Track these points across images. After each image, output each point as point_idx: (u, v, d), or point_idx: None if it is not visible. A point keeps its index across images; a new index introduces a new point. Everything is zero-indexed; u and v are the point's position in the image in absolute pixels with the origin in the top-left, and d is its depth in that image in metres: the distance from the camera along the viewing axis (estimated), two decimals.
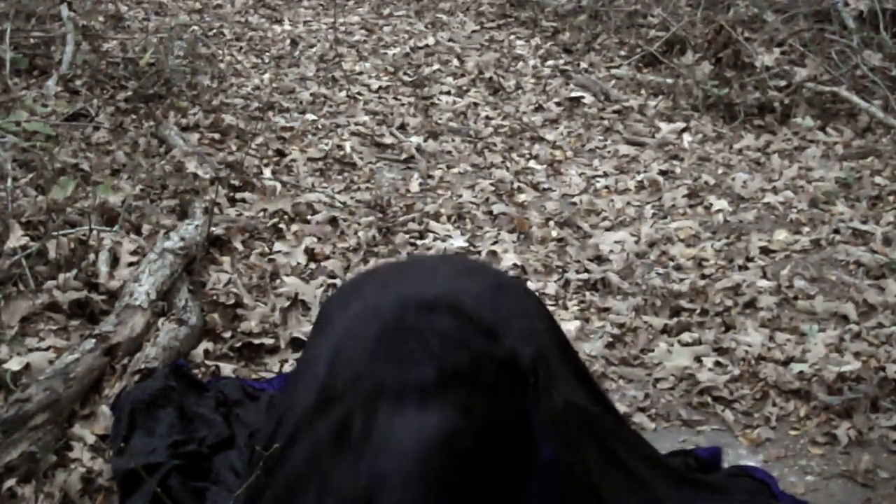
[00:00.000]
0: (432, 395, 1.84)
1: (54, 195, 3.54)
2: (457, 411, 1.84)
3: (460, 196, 4.40)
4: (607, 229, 4.13)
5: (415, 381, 1.87)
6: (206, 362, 3.01)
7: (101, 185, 3.75)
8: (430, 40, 6.80)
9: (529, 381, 1.93)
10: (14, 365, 2.76)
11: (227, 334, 3.18)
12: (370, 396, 1.86)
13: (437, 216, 4.18)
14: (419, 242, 3.96)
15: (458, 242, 3.98)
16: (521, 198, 4.42)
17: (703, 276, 3.69)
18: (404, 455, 1.78)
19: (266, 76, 5.96)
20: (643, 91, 5.81)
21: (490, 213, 4.25)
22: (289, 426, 2.00)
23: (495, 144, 5.06)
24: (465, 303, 2.01)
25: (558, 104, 5.64)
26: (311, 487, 1.90)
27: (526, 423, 1.92)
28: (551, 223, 4.15)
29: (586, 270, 3.75)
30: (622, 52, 6.46)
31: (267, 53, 6.48)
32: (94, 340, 2.82)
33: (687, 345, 3.24)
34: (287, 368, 3.10)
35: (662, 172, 4.71)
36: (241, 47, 6.59)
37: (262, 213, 4.09)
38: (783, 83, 5.42)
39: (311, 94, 5.68)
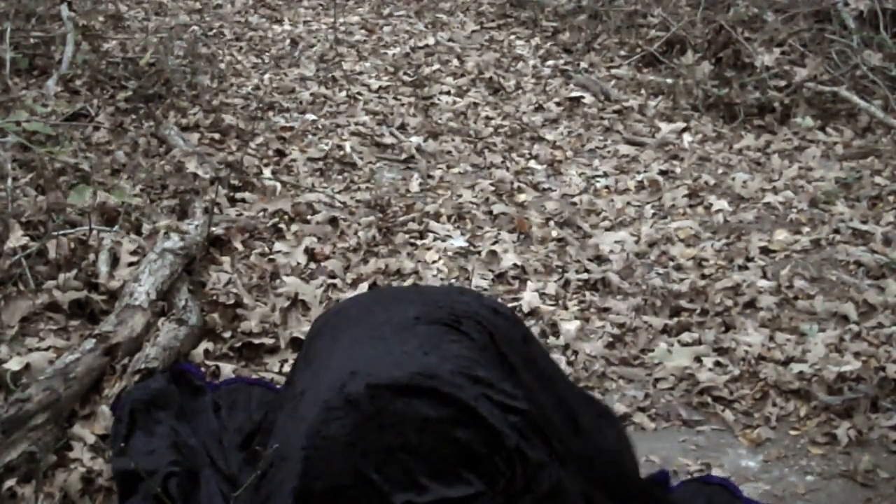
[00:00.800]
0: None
1: (72, 200, 3.54)
2: None
3: (460, 196, 4.40)
4: (607, 229, 4.13)
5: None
6: (206, 362, 3.00)
7: (117, 191, 3.75)
8: (430, 40, 6.80)
9: (514, 470, 1.98)
10: (14, 365, 2.76)
11: (227, 334, 3.18)
12: None
13: (437, 216, 4.18)
14: (419, 242, 3.96)
15: (458, 242, 3.98)
16: (521, 198, 4.42)
17: (703, 276, 3.69)
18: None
19: (266, 76, 5.96)
20: (643, 91, 5.81)
21: (490, 213, 4.25)
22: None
23: (495, 144, 5.06)
24: (443, 380, 2.00)
25: (558, 104, 5.64)
26: None
27: None
28: (551, 223, 4.15)
29: (586, 270, 3.75)
30: (622, 52, 6.46)
31: (267, 53, 6.48)
32: (94, 340, 2.82)
33: (687, 345, 3.24)
34: (287, 368, 3.10)
35: (662, 172, 4.71)
36: (241, 47, 6.59)
37: (262, 213, 4.09)
38: (783, 83, 5.42)
39: (311, 94, 5.68)
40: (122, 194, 3.64)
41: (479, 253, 3.89)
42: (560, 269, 3.78)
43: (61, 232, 3.46)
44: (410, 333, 2.12)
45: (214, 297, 3.33)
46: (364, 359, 2.07)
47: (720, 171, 4.72)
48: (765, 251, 3.87)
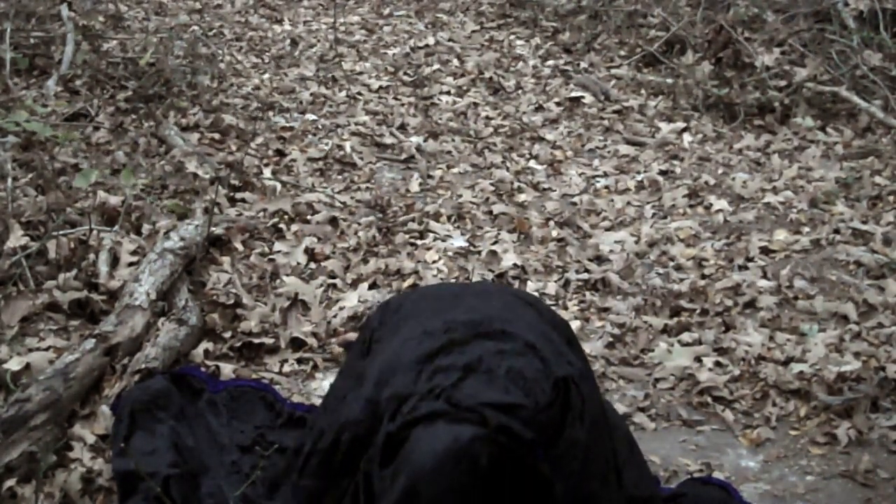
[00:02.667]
0: (463, 414, 1.92)
1: (77, 183, 3.55)
2: (480, 431, 1.90)
3: (460, 196, 4.40)
4: (607, 229, 4.13)
5: (446, 380, 1.98)
6: (206, 362, 3.00)
7: (125, 172, 3.75)
8: (430, 40, 6.80)
9: (573, 403, 2.01)
10: (14, 365, 2.76)
11: (227, 334, 3.18)
12: (409, 419, 1.95)
13: (437, 216, 4.18)
14: (419, 242, 3.96)
15: (458, 242, 3.98)
16: (521, 198, 4.42)
17: (703, 276, 3.69)
18: (429, 462, 1.87)
19: (266, 76, 5.96)
20: (643, 91, 5.81)
21: (490, 213, 4.25)
22: (328, 438, 2.15)
23: (495, 144, 5.06)
24: (518, 322, 2.11)
25: (558, 104, 5.64)
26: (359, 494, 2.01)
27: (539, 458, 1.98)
28: (551, 223, 4.15)
29: (586, 270, 3.75)
30: (622, 52, 6.46)
31: (267, 53, 6.48)
32: (94, 340, 2.82)
33: (687, 345, 3.24)
34: (287, 368, 3.10)
35: (662, 172, 4.71)
36: (241, 47, 6.59)
37: (262, 213, 4.09)
38: (783, 83, 5.42)
39: (311, 94, 5.68)
40: (129, 176, 3.65)
41: (479, 253, 3.88)
42: (560, 269, 3.78)
43: (61, 232, 3.46)
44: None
45: (214, 297, 3.33)
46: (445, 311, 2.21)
47: (720, 171, 4.72)
48: (765, 251, 3.87)
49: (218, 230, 3.77)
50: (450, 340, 2.07)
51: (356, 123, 5.26)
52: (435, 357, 2.04)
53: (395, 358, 2.10)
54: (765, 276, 3.66)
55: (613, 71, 6.17)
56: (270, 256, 3.76)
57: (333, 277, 3.63)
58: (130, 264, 3.39)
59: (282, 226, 4.00)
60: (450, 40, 6.83)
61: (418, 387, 2.00)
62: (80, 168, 4.10)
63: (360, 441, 2.06)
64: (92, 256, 3.40)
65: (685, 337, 3.29)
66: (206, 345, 3.09)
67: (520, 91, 5.87)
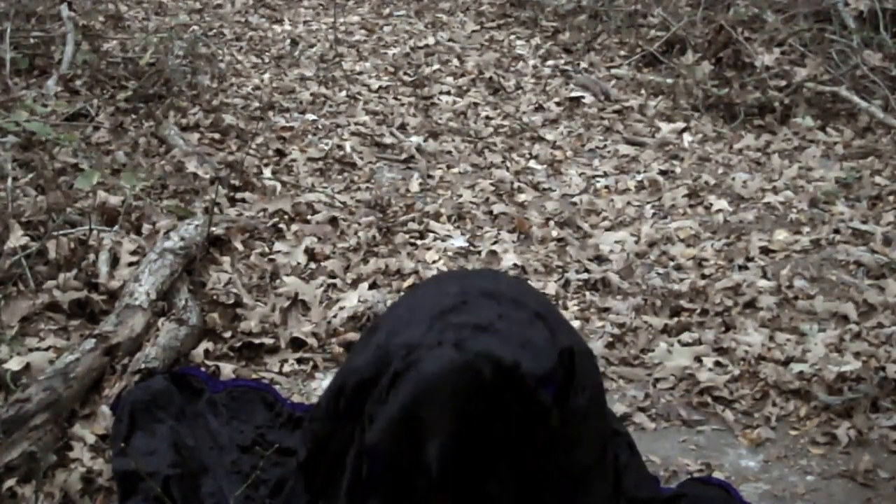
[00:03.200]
0: (469, 342, 1.95)
1: (79, 185, 3.55)
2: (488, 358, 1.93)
3: (460, 196, 4.40)
4: (607, 229, 4.13)
5: (457, 336, 2.00)
6: (206, 362, 3.00)
7: (126, 174, 3.75)
8: (430, 40, 6.80)
9: (577, 373, 2.03)
10: (14, 365, 2.76)
11: (227, 334, 3.18)
12: (415, 360, 1.98)
13: (437, 216, 4.18)
14: (419, 242, 3.96)
15: (458, 242, 3.98)
16: (521, 198, 4.42)
17: (703, 276, 3.69)
18: (433, 371, 1.91)
19: (266, 76, 5.96)
20: (643, 91, 5.81)
21: (490, 212, 4.25)
22: (336, 382, 2.19)
23: (495, 144, 5.06)
24: (528, 297, 2.16)
25: (558, 104, 5.64)
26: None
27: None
28: (551, 223, 4.15)
29: (586, 270, 3.75)
30: (622, 52, 6.46)
31: (267, 53, 6.48)
32: (94, 340, 2.82)
33: (687, 345, 3.24)
34: (287, 368, 3.10)
35: (662, 172, 4.71)
36: (241, 47, 6.59)
37: (262, 213, 4.09)
38: (783, 83, 5.42)
39: (311, 94, 5.68)
40: (131, 178, 3.65)
41: (479, 253, 3.88)
42: (560, 269, 3.78)
43: (61, 232, 3.46)
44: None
45: (214, 297, 3.33)
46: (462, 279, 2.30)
47: (720, 170, 4.72)
48: (765, 251, 3.87)
49: (218, 230, 3.77)
50: (463, 301, 2.10)
51: (356, 123, 5.26)
52: (448, 314, 2.07)
53: (408, 312, 2.16)
54: (765, 276, 3.66)
55: (613, 71, 6.17)
56: (270, 256, 3.76)
57: (333, 277, 3.63)
58: (130, 264, 3.39)
59: (282, 226, 4.00)
60: (450, 40, 6.83)
61: (428, 338, 2.02)
62: (81, 168, 4.10)
63: (366, 384, 2.06)
64: (92, 256, 3.40)
65: (685, 337, 3.29)
66: (206, 345, 3.09)
67: (520, 91, 5.87)
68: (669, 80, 5.74)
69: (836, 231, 3.99)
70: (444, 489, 1.87)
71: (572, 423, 2.02)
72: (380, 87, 5.86)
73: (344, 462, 2.09)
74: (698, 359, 3.16)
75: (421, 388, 1.90)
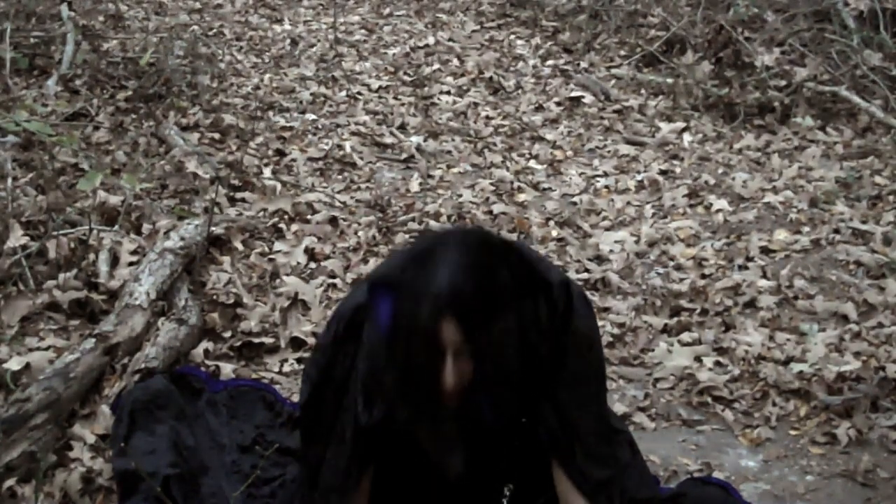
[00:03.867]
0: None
1: (82, 186, 3.54)
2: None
3: (460, 196, 4.40)
4: (607, 229, 4.13)
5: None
6: (206, 362, 3.00)
7: (127, 175, 3.75)
8: (430, 40, 6.80)
9: (575, 306, 2.01)
10: (14, 365, 2.76)
11: (227, 334, 3.18)
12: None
13: (437, 216, 4.18)
14: None
15: None
16: (521, 197, 4.42)
17: (703, 276, 3.69)
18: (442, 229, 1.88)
19: (266, 76, 5.96)
20: (643, 91, 5.81)
21: (490, 212, 4.25)
22: (336, 314, 2.12)
23: (495, 144, 5.06)
24: (518, 244, 2.12)
25: (558, 104, 5.64)
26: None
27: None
28: (551, 223, 4.15)
29: (586, 270, 3.75)
30: (622, 52, 6.45)
31: (267, 53, 6.48)
32: (94, 340, 2.82)
33: (687, 345, 3.24)
34: (287, 368, 3.10)
35: (662, 172, 4.71)
36: (241, 47, 6.59)
37: (262, 213, 4.09)
38: (783, 83, 5.42)
39: (311, 94, 5.68)
40: (132, 179, 3.65)
41: None
42: (560, 269, 3.78)
43: (61, 232, 3.46)
44: None
45: (214, 297, 3.33)
46: None
47: (720, 170, 4.72)
48: (765, 251, 3.87)
49: (218, 230, 3.77)
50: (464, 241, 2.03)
51: (356, 123, 5.26)
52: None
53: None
54: (765, 276, 3.66)
55: (613, 71, 6.17)
56: (270, 256, 3.76)
57: (333, 277, 3.63)
58: (130, 264, 3.39)
59: (282, 225, 4.00)
60: (450, 40, 6.83)
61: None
62: (81, 168, 4.10)
63: (363, 307, 2.03)
64: (92, 256, 3.40)
65: (685, 337, 3.29)
66: (206, 344, 3.09)
67: (520, 91, 5.87)
68: (669, 80, 5.73)
69: (836, 231, 3.99)
70: (453, 311, 1.80)
71: (574, 346, 2.01)
72: (380, 87, 5.86)
73: (348, 388, 2.04)
74: (698, 359, 3.16)
75: (430, 234, 1.86)
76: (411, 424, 1.94)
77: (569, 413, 2.03)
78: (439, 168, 4.77)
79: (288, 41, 6.73)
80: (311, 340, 3.22)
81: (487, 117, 5.44)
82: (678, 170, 4.74)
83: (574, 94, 5.76)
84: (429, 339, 1.82)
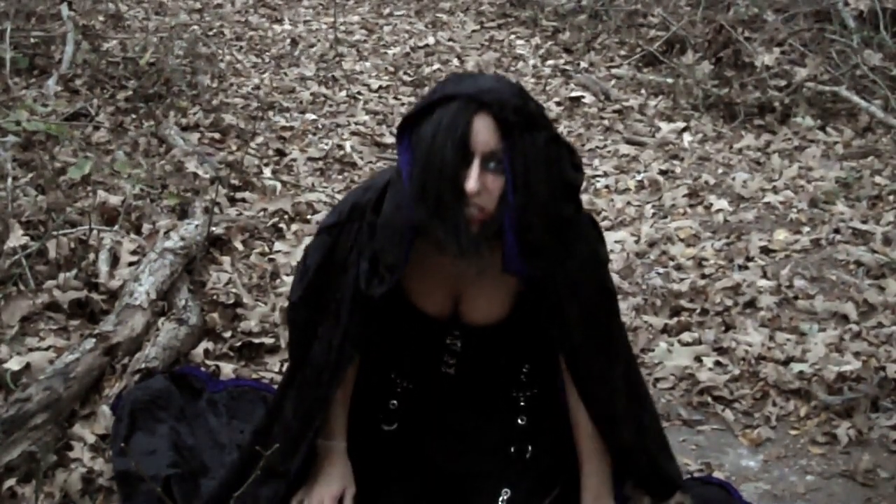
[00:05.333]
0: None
1: (72, 175, 3.54)
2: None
3: None
4: (607, 229, 4.13)
5: None
6: (206, 362, 3.00)
7: (119, 163, 3.75)
8: (431, 40, 6.80)
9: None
10: (14, 365, 2.76)
11: (227, 334, 3.18)
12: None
13: None
14: None
15: None
16: None
17: (704, 276, 3.69)
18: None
19: (266, 76, 5.96)
20: (643, 91, 5.81)
21: None
22: (352, 193, 2.06)
23: None
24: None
25: (558, 104, 5.64)
26: None
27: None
28: None
29: None
30: (622, 52, 6.46)
31: (267, 53, 6.48)
32: (94, 340, 2.82)
33: (687, 344, 3.24)
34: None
35: (662, 172, 4.71)
36: (241, 47, 6.59)
37: (262, 213, 4.09)
38: (783, 83, 5.43)
39: (312, 94, 5.68)
40: (125, 166, 3.64)
41: None
42: None
43: (61, 232, 3.46)
44: None
45: (214, 297, 3.33)
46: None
47: (720, 170, 4.72)
48: (765, 251, 3.87)
49: (218, 230, 3.77)
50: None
51: (356, 123, 5.26)
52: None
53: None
54: (765, 276, 3.65)
55: (613, 71, 6.17)
56: (270, 256, 3.76)
57: None
58: (130, 264, 3.39)
59: (282, 225, 4.00)
60: (450, 40, 6.83)
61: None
62: (81, 168, 4.10)
63: (370, 187, 1.98)
64: (92, 256, 3.40)
65: (685, 337, 3.29)
66: (206, 344, 3.09)
67: None
68: (669, 80, 5.74)
69: (836, 231, 3.99)
70: (489, 109, 1.72)
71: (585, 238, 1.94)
72: (380, 87, 5.86)
73: (347, 268, 1.95)
74: (698, 358, 3.16)
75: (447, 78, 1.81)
76: (428, 222, 1.78)
77: (581, 335, 1.96)
78: None
79: (288, 41, 6.73)
80: None
81: None
82: (678, 170, 4.74)
83: (574, 93, 5.76)
84: (459, 137, 1.73)
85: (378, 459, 2.12)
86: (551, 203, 1.80)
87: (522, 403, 2.10)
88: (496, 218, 1.78)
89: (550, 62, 6.37)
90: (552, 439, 2.12)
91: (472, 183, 1.73)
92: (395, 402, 2.11)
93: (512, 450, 2.10)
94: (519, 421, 2.10)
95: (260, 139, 4.90)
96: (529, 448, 2.11)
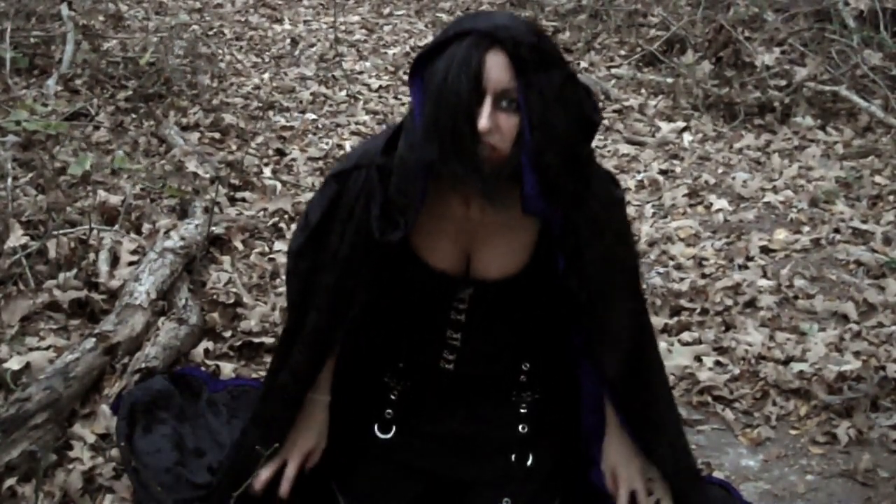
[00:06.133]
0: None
1: (72, 171, 3.53)
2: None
3: None
4: None
5: None
6: (206, 361, 3.00)
7: (118, 158, 3.74)
8: (431, 39, 6.79)
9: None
10: (14, 364, 2.76)
11: (228, 333, 3.18)
12: None
13: None
14: None
15: None
16: None
17: (704, 276, 3.69)
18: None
19: (266, 75, 5.96)
20: (643, 90, 5.81)
21: None
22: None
23: None
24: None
25: None
26: None
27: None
28: None
29: None
30: (622, 52, 6.46)
31: (267, 53, 6.48)
32: (94, 340, 2.82)
33: (687, 344, 3.24)
34: None
35: (662, 172, 4.71)
36: (241, 46, 6.59)
37: (262, 213, 4.09)
38: (783, 82, 5.43)
39: (312, 94, 5.68)
40: (123, 161, 3.64)
41: None
42: None
43: (61, 231, 3.46)
44: None
45: (214, 297, 3.33)
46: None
47: (720, 170, 4.72)
48: (765, 250, 3.87)
49: (218, 229, 3.77)
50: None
51: (356, 123, 5.26)
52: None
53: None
54: (765, 276, 3.66)
55: (613, 70, 6.17)
56: (271, 256, 3.76)
57: None
58: (130, 263, 3.39)
59: (282, 225, 4.00)
60: None
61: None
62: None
63: (385, 134, 1.92)
64: (92, 256, 3.40)
65: (685, 336, 3.28)
66: (206, 344, 3.09)
67: None
68: (669, 80, 5.73)
69: (837, 230, 3.99)
70: (502, 44, 1.67)
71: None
72: (380, 87, 5.86)
73: (353, 216, 1.87)
74: (698, 358, 3.16)
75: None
76: (441, 159, 1.73)
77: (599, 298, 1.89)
78: None
79: (288, 41, 6.73)
80: None
81: None
82: (678, 169, 4.74)
83: None
84: (473, 72, 1.68)
85: (374, 467, 2.08)
86: (569, 142, 1.74)
87: (523, 410, 2.06)
88: (510, 159, 1.73)
89: None
90: (553, 448, 2.08)
91: (484, 121, 1.68)
92: (390, 411, 2.05)
93: (513, 458, 2.04)
94: (520, 429, 2.05)
95: (260, 139, 4.90)
96: (531, 456, 2.07)
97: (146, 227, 3.71)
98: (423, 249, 1.91)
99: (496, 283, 1.92)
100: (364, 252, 1.86)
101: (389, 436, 2.05)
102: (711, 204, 4.31)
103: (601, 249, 1.88)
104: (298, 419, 2.02)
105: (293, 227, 3.98)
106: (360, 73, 6.10)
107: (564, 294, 1.90)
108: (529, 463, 2.04)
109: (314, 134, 5.11)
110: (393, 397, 2.04)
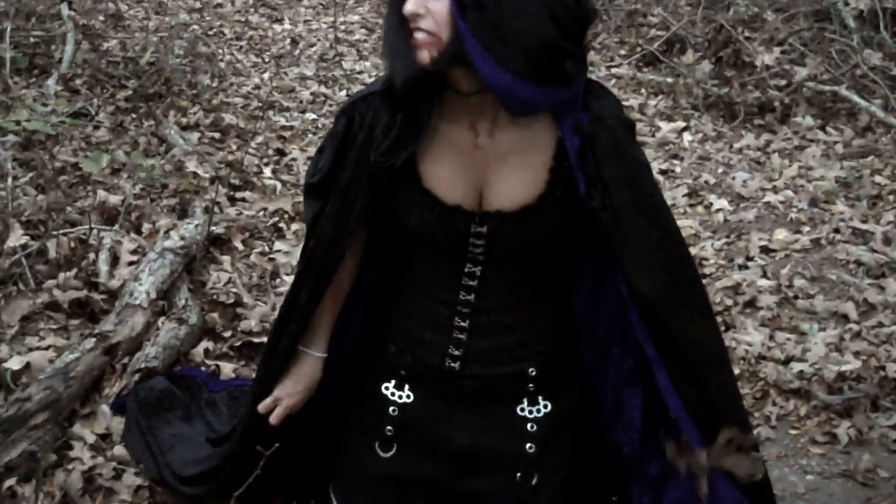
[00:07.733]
0: None
1: (88, 168, 3.52)
2: None
3: None
4: None
5: None
6: (206, 361, 3.00)
7: (135, 153, 3.74)
8: None
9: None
10: (14, 364, 2.76)
11: (227, 333, 3.18)
12: None
13: None
14: None
15: None
16: None
17: (704, 276, 3.69)
18: None
19: (266, 75, 5.96)
20: (643, 90, 5.81)
21: None
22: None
23: None
24: None
25: None
26: None
27: None
28: None
29: None
30: (622, 52, 6.46)
31: (267, 52, 6.48)
32: (94, 339, 2.82)
33: None
34: None
35: (663, 171, 4.71)
36: (241, 46, 6.59)
37: (262, 213, 4.09)
38: (783, 82, 5.43)
39: (312, 93, 5.68)
40: (139, 156, 3.65)
41: None
42: None
43: (61, 231, 3.46)
44: None
45: (214, 297, 3.33)
46: None
47: (720, 170, 4.72)
48: (765, 250, 3.87)
49: (218, 229, 3.77)
50: None
51: None
52: None
53: None
54: (765, 276, 3.66)
55: (613, 70, 6.17)
56: (270, 256, 3.76)
57: None
58: (130, 263, 3.39)
59: (282, 225, 4.00)
60: None
61: None
62: (81, 168, 4.10)
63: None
64: (92, 256, 3.40)
65: None
66: (206, 344, 3.09)
67: None
68: (669, 80, 5.73)
69: (836, 230, 3.99)
70: None
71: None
72: None
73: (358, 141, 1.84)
74: None
75: None
76: (389, 69, 1.71)
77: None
78: None
79: (288, 41, 6.73)
80: None
81: None
82: (678, 169, 4.74)
83: None
84: None
85: (374, 481, 2.04)
86: (521, 25, 1.61)
87: (531, 428, 1.94)
88: (450, 45, 1.63)
89: None
90: (562, 466, 2.02)
91: (409, 5, 1.62)
92: (390, 427, 1.95)
93: (518, 476, 1.94)
94: (527, 448, 1.97)
95: (260, 139, 4.90)
96: (536, 475, 2.03)
97: (146, 226, 3.71)
98: (434, 184, 1.82)
99: (513, 215, 1.81)
100: (369, 173, 1.82)
101: (390, 454, 1.97)
102: (711, 204, 4.31)
103: (621, 173, 1.80)
104: (288, 373, 2.05)
105: (293, 227, 3.99)
106: (360, 72, 6.10)
107: (587, 221, 1.80)
108: (535, 481, 2.00)
109: (314, 134, 5.11)
110: (393, 412, 1.96)
